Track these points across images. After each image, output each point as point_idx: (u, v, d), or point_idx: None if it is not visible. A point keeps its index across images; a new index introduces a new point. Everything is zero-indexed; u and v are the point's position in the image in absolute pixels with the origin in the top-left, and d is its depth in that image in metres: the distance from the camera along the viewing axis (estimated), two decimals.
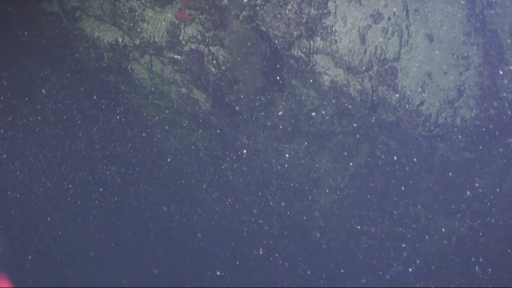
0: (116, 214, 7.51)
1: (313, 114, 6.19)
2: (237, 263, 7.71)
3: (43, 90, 6.70)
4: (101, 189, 7.23)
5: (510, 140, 5.98)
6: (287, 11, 5.51)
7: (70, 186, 7.14)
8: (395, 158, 6.29)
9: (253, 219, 7.26)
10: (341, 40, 5.55)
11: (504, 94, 5.86)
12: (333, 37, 5.56)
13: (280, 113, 6.18)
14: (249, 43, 5.75)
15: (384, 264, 7.04)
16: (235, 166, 6.89)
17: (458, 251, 6.65)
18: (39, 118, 6.85)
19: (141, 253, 7.80)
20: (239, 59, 5.88)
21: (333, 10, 5.52)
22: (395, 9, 5.51)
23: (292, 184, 6.82)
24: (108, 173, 7.14)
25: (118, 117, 6.82)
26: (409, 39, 5.59)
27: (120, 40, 6.22)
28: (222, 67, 6.01)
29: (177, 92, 6.41)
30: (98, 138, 6.98)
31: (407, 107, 5.71)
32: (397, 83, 5.67)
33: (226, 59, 5.95)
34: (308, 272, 7.44)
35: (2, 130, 6.73)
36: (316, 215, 6.96)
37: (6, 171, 6.92)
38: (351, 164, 6.50)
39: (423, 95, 5.68)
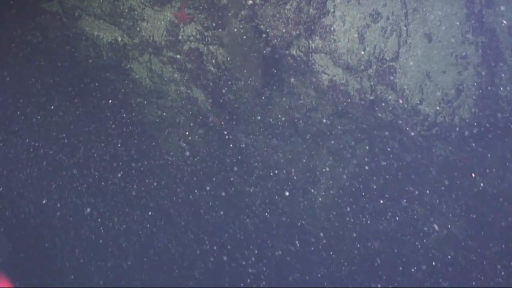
0: (116, 213, 7.52)
1: (312, 113, 6.21)
2: (236, 262, 7.71)
3: (43, 89, 6.71)
4: (99, 189, 7.23)
5: (509, 139, 5.99)
6: (286, 11, 5.53)
7: (69, 185, 7.15)
8: (394, 157, 6.29)
9: (252, 218, 7.27)
10: (340, 39, 5.57)
11: (503, 94, 5.88)
12: (332, 36, 5.58)
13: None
14: (248, 42, 5.77)
15: (383, 263, 7.04)
16: (234, 165, 6.90)
17: (457, 250, 6.65)
18: (39, 117, 6.86)
19: (141, 253, 7.80)
20: (238, 58, 5.90)
21: (332, 10, 5.54)
22: (394, 9, 5.52)
23: (290, 183, 6.83)
24: (107, 172, 7.14)
25: (117, 115, 6.82)
26: (408, 38, 5.61)
27: (119, 39, 6.23)
28: (222, 66, 6.02)
29: (177, 91, 6.42)
30: (97, 137, 6.98)
31: (406, 106, 5.72)
32: (395, 83, 5.68)
33: (225, 58, 5.97)
34: (307, 271, 7.44)
35: (1, 130, 6.74)
36: (315, 214, 6.96)
37: (6, 171, 6.92)
38: (349, 163, 6.51)
39: (422, 94, 5.69)
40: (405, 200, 6.57)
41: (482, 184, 6.27)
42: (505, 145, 6.06)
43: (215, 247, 7.75)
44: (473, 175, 5.95)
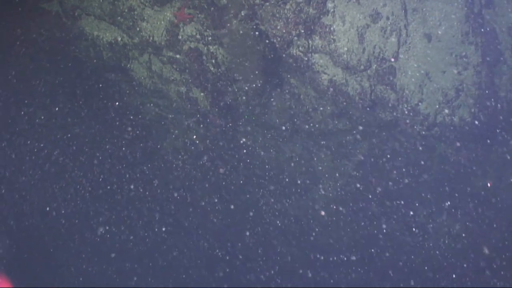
0: (116, 213, 7.52)
1: (312, 113, 6.21)
2: (237, 262, 7.72)
3: (43, 89, 6.71)
4: (100, 188, 7.24)
5: (508, 139, 5.99)
6: (286, 11, 5.53)
7: (70, 185, 7.15)
8: (393, 157, 6.30)
9: (252, 218, 7.28)
10: (340, 39, 5.57)
11: (502, 94, 5.88)
12: (331, 36, 5.58)
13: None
14: (248, 42, 5.77)
15: (384, 263, 7.05)
16: (234, 165, 6.90)
17: (457, 250, 6.66)
18: (41, 116, 6.86)
19: (142, 253, 7.81)
20: (238, 58, 5.90)
21: (332, 10, 5.54)
22: (393, 9, 5.52)
23: (290, 183, 6.83)
24: (107, 171, 7.15)
25: (117, 115, 6.83)
26: (408, 38, 5.61)
27: (119, 39, 6.23)
28: (221, 66, 6.02)
29: (176, 91, 6.43)
30: (97, 137, 6.98)
31: (406, 106, 5.72)
32: (395, 83, 5.68)
33: (225, 58, 5.97)
34: (307, 272, 7.45)
35: (2, 130, 6.75)
36: (315, 214, 6.97)
37: (9, 173, 6.92)
38: (349, 163, 6.52)
39: (422, 94, 5.69)
40: (405, 200, 6.58)
41: (481, 183, 6.28)
42: (505, 144, 6.06)
43: (214, 247, 7.75)
44: (489, 184, 5.98)
